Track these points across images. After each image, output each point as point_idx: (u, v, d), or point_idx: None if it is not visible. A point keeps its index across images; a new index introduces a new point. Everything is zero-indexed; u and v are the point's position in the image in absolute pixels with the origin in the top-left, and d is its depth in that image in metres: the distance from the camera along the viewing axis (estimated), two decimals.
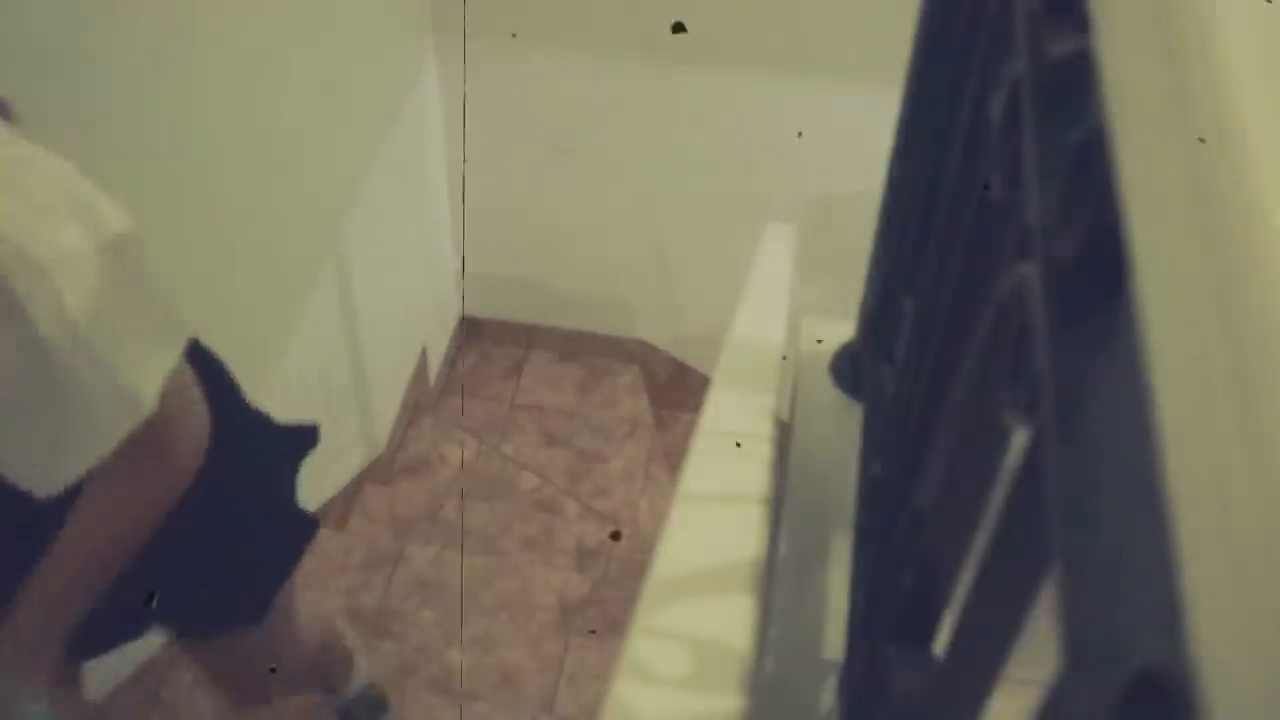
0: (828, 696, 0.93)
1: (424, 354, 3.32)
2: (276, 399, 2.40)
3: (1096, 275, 0.38)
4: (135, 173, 1.75)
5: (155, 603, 1.40)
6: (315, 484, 2.77)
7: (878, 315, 1.04)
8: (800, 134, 2.38)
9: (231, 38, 1.98)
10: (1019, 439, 0.51)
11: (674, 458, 3.25)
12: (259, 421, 1.57)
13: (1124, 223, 0.36)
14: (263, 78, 2.09)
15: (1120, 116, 0.37)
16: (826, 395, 1.14)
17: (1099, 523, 0.36)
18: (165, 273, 1.89)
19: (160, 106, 1.80)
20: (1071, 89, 0.44)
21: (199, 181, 1.94)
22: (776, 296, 1.47)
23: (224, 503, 1.33)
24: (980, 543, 0.61)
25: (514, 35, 2.81)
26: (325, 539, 2.80)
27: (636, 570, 2.89)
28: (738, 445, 0.85)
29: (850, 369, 1.13)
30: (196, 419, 1.13)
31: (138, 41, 1.70)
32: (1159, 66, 0.36)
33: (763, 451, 0.84)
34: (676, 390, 3.45)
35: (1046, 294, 0.41)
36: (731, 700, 0.58)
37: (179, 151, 1.87)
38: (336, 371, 2.69)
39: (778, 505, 0.97)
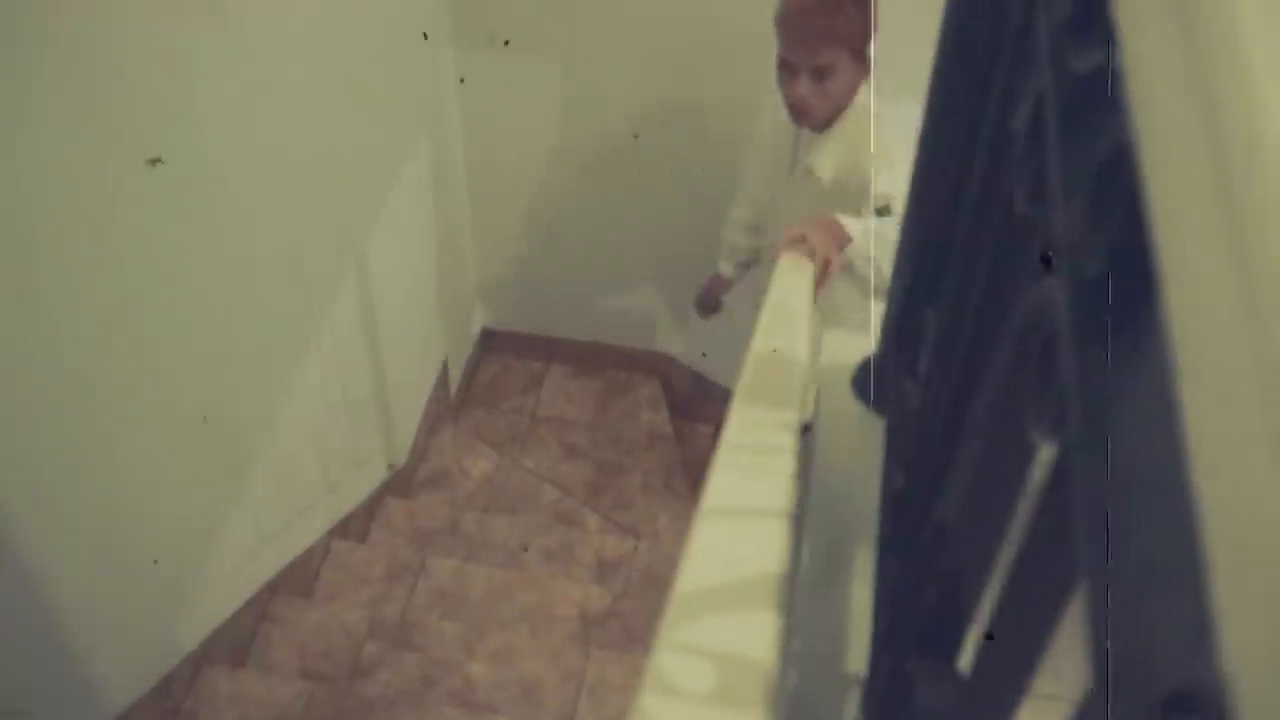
0: (851, 711, 0.93)
1: (445, 367, 3.33)
2: (299, 411, 2.42)
3: (1124, 290, 0.38)
4: (158, 184, 1.77)
5: None
6: (337, 496, 2.78)
7: (900, 328, 1.04)
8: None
9: (254, 50, 2.00)
10: (1045, 453, 0.51)
11: (694, 470, 3.25)
12: None
13: (1152, 237, 0.36)
14: (284, 91, 2.11)
15: (1147, 131, 0.37)
16: (849, 408, 1.14)
17: (1127, 538, 0.36)
18: (190, 283, 1.91)
19: (182, 117, 1.81)
20: (1096, 103, 0.44)
21: (221, 195, 1.96)
22: (798, 308, 1.46)
23: None
24: (1006, 556, 0.61)
25: (535, 48, 2.82)
26: (347, 551, 2.81)
27: (657, 582, 2.88)
28: (758, 456, 0.85)
29: (873, 382, 1.12)
30: None
31: (157, 50, 1.72)
32: (1186, 81, 0.36)
33: (785, 465, 0.84)
34: (696, 403, 3.45)
35: (1072, 309, 0.41)
36: (755, 715, 0.57)
37: (201, 164, 1.88)
38: (358, 384, 2.70)
39: (800, 518, 0.96)
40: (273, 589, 2.55)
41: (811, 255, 1.81)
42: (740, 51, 2.48)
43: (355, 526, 2.89)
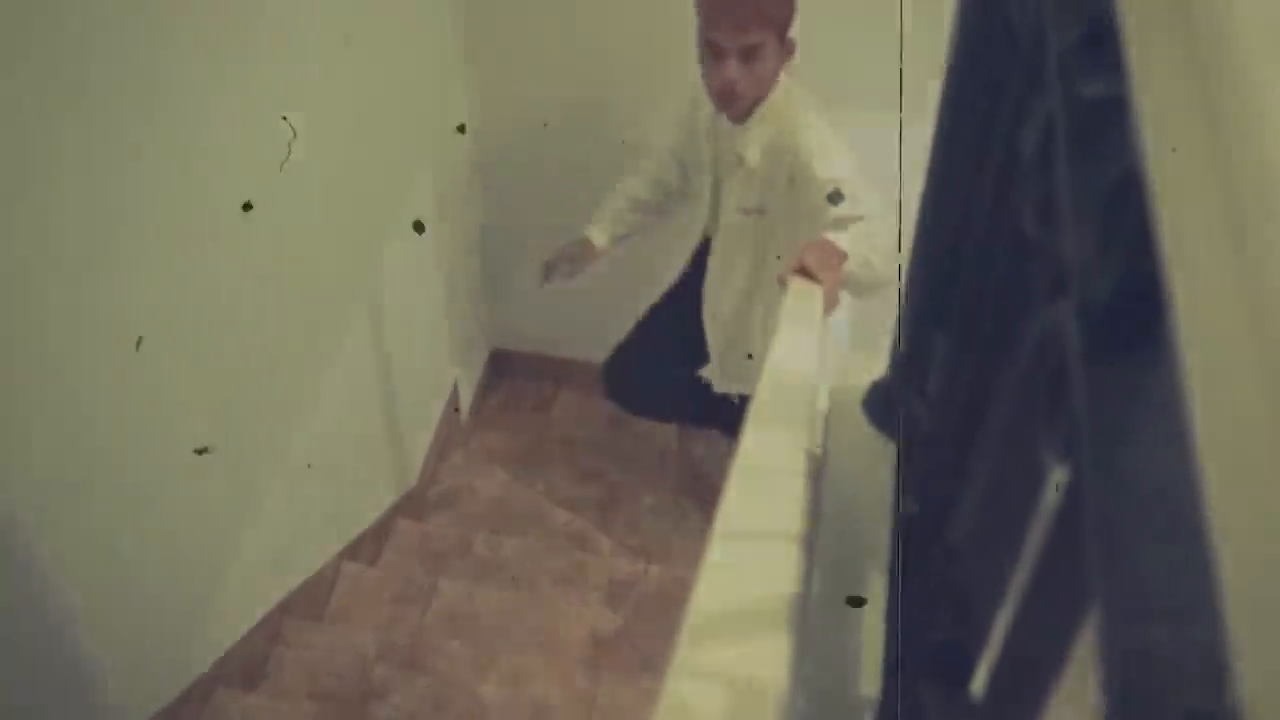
0: None
1: (455, 388, 3.34)
2: (310, 433, 2.42)
3: (1134, 314, 0.38)
4: (169, 208, 1.78)
5: None
6: (348, 518, 2.79)
7: (910, 351, 1.04)
8: None
9: (268, 74, 2.01)
10: (1057, 475, 0.51)
11: (704, 491, 3.24)
12: None
13: (1161, 261, 0.36)
14: (296, 115, 2.12)
15: (1156, 156, 0.37)
16: (860, 431, 1.14)
17: (1140, 562, 0.36)
18: (201, 306, 1.92)
19: (194, 141, 1.82)
20: (1105, 128, 0.44)
21: (233, 218, 1.97)
22: (809, 332, 1.47)
23: None
24: (1018, 580, 0.61)
25: (545, 67, 2.84)
26: (358, 573, 2.81)
27: (669, 605, 2.88)
28: (774, 478, 0.85)
29: (883, 405, 1.13)
30: None
31: (172, 72, 1.73)
32: (1195, 110, 0.36)
33: (798, 488, 0.84)
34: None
35: (1083, 332, 0.41)
36: None
37: (212, 187, 1.89)
38: (369, 405, 2.71)
39: (812, 541, 0.96)
40: (284, 611, 2.55)
41: (816, 279, 1.80)
42: None
43: (366, 548, 2.89)
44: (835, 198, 2.08)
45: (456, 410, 3.38)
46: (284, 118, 1.92)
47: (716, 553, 0.73)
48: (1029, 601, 0.56)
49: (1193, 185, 0.36)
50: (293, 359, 2.31)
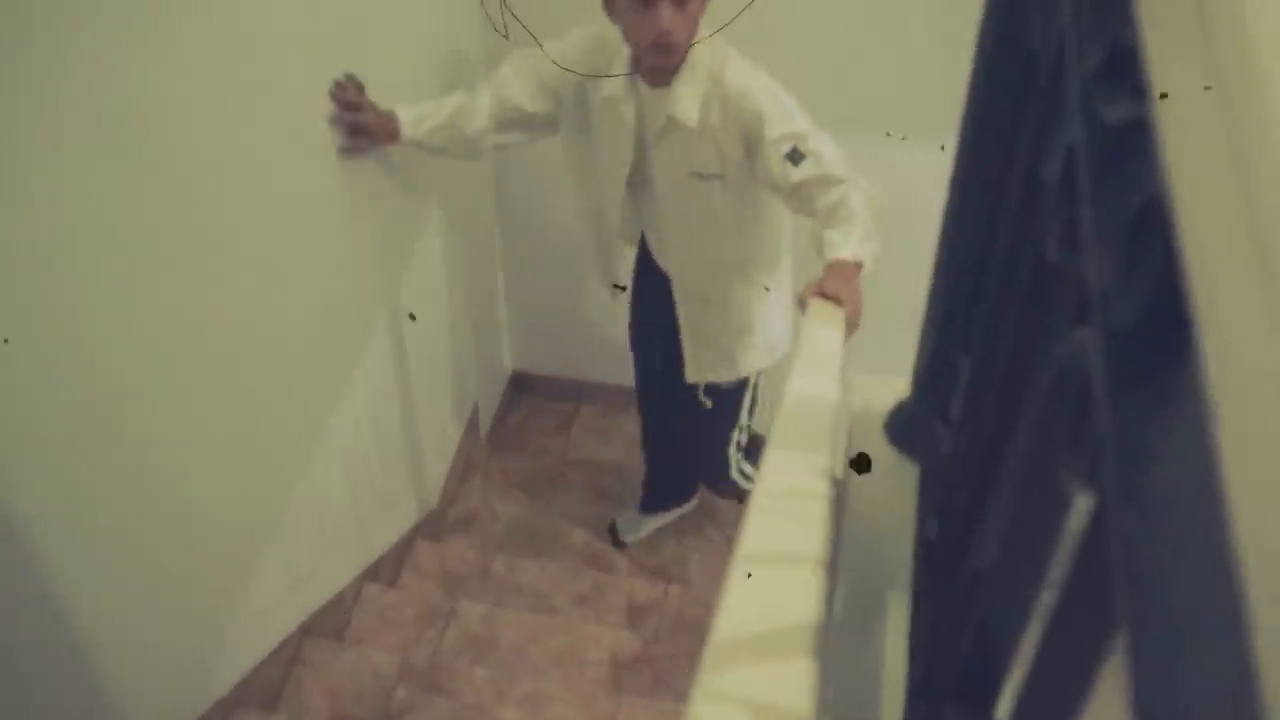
0: None
1: (475, 409, 3.34)
2: (331, 453, 2.43)
3: (1159, 341, 0.38)
4: (196, 232, 1.79)
5: None
6: (368, 539, 2.79)
7: (932, 374, 1.04)
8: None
9: (292, 103, 2.03)
10: (1082, 500, 0.51)
11: (724, 512, 3.24)
12: None
13: (1187, 289, 0.36)
14: (321, 143, 2.14)
15: (1180, 185, 0.37)
16: (881, 454, 1.13)
17: (1167, 590, 0.36)
18: (225, 331, 1.93)
19: (221, 168, 1.84)
20: (1129, 154, 0.44)
21: (257, 242, 1.98)
22: (830, 354, 1.46)
23: None
24: (1043, 604, 0.61)
25: None
26: (378, 595, 2.81)
27: (688, 627, 2.87)
28: (796, 501, 0.85)
29: (905, 428, 1.12)
30: None
31: (199, 103, 1.74)
32: (1219, 136, 0.36)
33: (819, 512, 0.84)
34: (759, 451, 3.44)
35: (1107, 359, 0.41)
36: None
37: (238, 211, 1.91)
38: (389, 427, 2.72)
39: (834, 565, 0.96)
40: (304, 632, 2.56)
41: (839, 302, 1.78)
42: None
43: (386, 570, 2.90)
44: (795, 156, 2.03)
45: (477, 432, 3.39)
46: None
47: (739, 576, 0.73)
48: (1054, 626, 0.56)
49: (1217, 211, 0.36)
50: (314, 382, 2.32)
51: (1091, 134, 0.49)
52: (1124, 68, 0.46)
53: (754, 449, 2.88)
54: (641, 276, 2.72)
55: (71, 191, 1.50)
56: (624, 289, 2.76)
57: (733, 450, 2.83)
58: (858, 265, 1.91)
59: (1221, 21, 0.40)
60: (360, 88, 2.15)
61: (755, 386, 2.68)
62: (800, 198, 2.07)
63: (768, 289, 2.44)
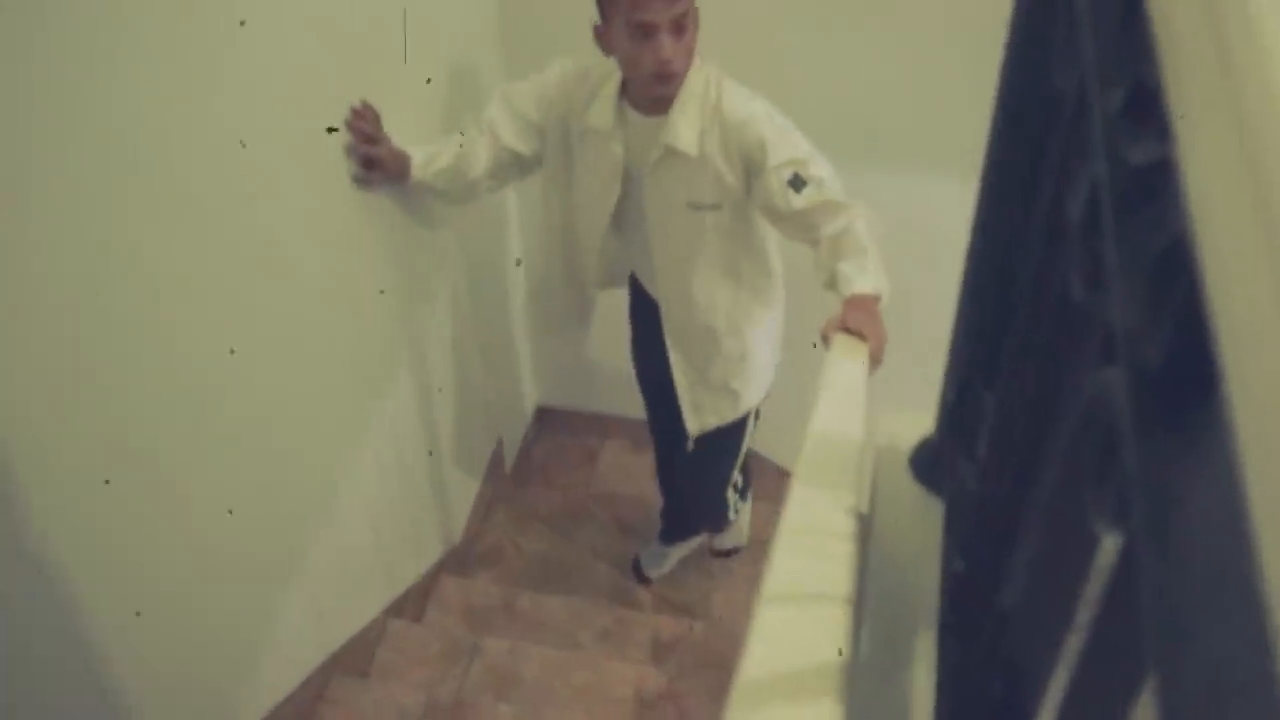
0: None
1: (500, 444, 3.35)
2: (356, 489, 2.44)
3: (1185, 382, 0.38)
4: (219, 269, 1.81)
5: None
6: (393, 575, 2.79)
7: (957, 410, 1.03)
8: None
9: (316, 145, 2.05)
10: (1109, 541, 0.50)
11: (748, 548, 3.23)
12: None
13: (1212, 331, 0.36)
14: (343, 182, 2.15)
15: (1205, 229, 0.37)
16: (906, 490, 1.13)
17: (1197, 633, 0.35)
18: (251, 366, 1.94)
19: (245, 207, 1.85)
20: (1153, 195, 0.44)
21: (282, 281, 1.99)
22: (853, 389, 1.46)
23: None
24: (1073, 644, 0.60)
25: None
26: (402, 630, 2.81)
27: (713, 663, 2.85)
28: (819, 538, 0.85)
29: (930, 464, 1.12)
30: None
31: (222, 140, 1.76)
32: (1242, 176, 0.36)
33: (845, 549, 0.84)
34: (750, 479, 3.43)
35: (1133, 400, 0.41)
36: None
37: (264, 251, 1.92)
38: (414, 462, 2.72)
39: (860, 603, 0.96)
40: (329, 669, 2.56)
41: (863, 338, 1.78)
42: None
43: (411, 605, 2.90)
44: (798, 183, 2.02)
45: (501, 467, 3.39)
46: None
47: (765, 615, 0.73)
48: (1083, 667, 0.55)
49: (1241, 253, 0.36)
50: (338, 418, 2.33)
51: (1115, 174, 0.49)
52: (1147, 108, 0.46)
53: (745, 482, 2.89)
54: (638, 315, 2.71)
55: (98, 230, 1.52)
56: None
57: (730, 492, 2.82)
58: (877, 297, 1.91)
59: (1244, 60, 0.40)
60: (377, 119, 2.16)
61: (751, 425, 2.66)
62: (802, 225, 2.06)
63: (759, 316, 2.43)
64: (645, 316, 2.60)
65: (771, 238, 2.34)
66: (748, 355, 2.45)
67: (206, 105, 1.68)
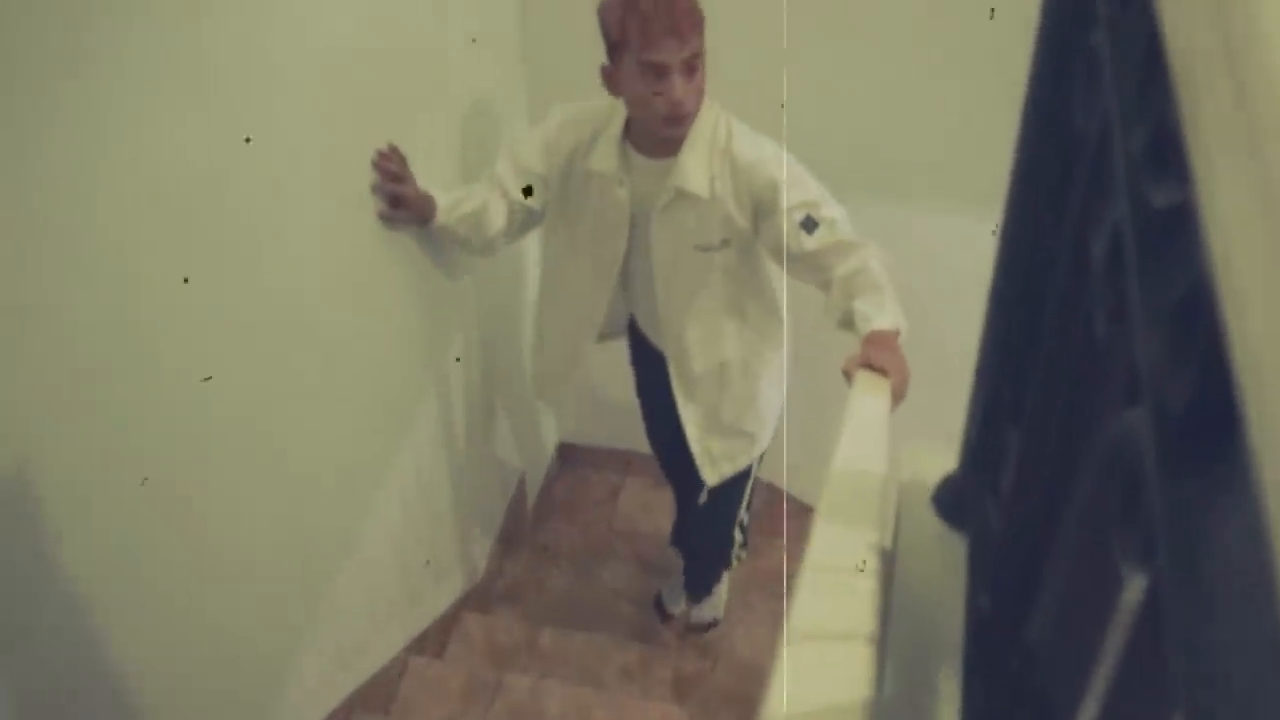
0: None
1: (522, 481, 3.35)
2: (380, 526, 2.44)
3: (1210, 424, 0.38)
4: (244, 307, 1.82)
5: None
6: (415, 611, 2.79)
7: (980, 446, 1.03)
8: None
9: (340, 185, 2.07)
10: (1136, 580, 0.50)
11: (770, 584, 3.22)
12: None
13: (1235, 374, 0.36)
14: (368, 221, 2.17)
15: (1225, 273, 0.38)
16: (930, 526, 1.13)
17: (1223, 674, 0.36)
18: (275, 404, 1.95)
19: (273, 246, 1.87)
20: (1176, 237, 0.44)
21: (308, 317, 2.01)
22: (876, 425, 1.46)
23: None
24: (1099, 683, 0.60)
25: None
26: (424, 667, 2.81)
27: (735, 700, 2.84)
28: (848, 578, 0.85)
29: (954, 501, 1.12)
30: None
31: (251, 182, 1.78)
32: (1262, 219, 0.37)
33: (869, 586, 0.84)
34: (772, 516, 3.42)
35: (1158, 442, 0.42)
36: None
37: (289, 289, 1.94)
38: (438, 497, 2.73)
39: (884, 640, 0.96)
40: (351, 705, 2.55)
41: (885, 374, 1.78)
42: (806, 161, 2.49)
43: (432, 642, 2.89)
44: (809, 224, 2.02)
45: (523, 503, 3.39)
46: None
47: (789, 653, 0.73)
48: (1110, 706, 0.55)
49: (1262, 296, 0.37)
50: (363, 455, 2.34)
51: (1137, 215, 0.49)
52: (1169, 151, 0.47)
53: (746, 528, 2.86)
54: (640, 363, 2.69)
55: (130, 267, 1.53)
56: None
57: (736, 531, 2.79)
58: (896, 333, 1.91)
59: (1264, 106, 0.40)
60: (403, 159, 2.18)
61: (756, 464, 2.64)
62: (814, 266, 2.06)
63: (768, 354, 2.41)
64: (648, 365, 2.58)
65: (777, 278, 2.34)
66: (758, 396, 2.44)
67: (236, 153, 1.70)
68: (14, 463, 1.40)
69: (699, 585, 3.12)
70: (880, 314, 1.93)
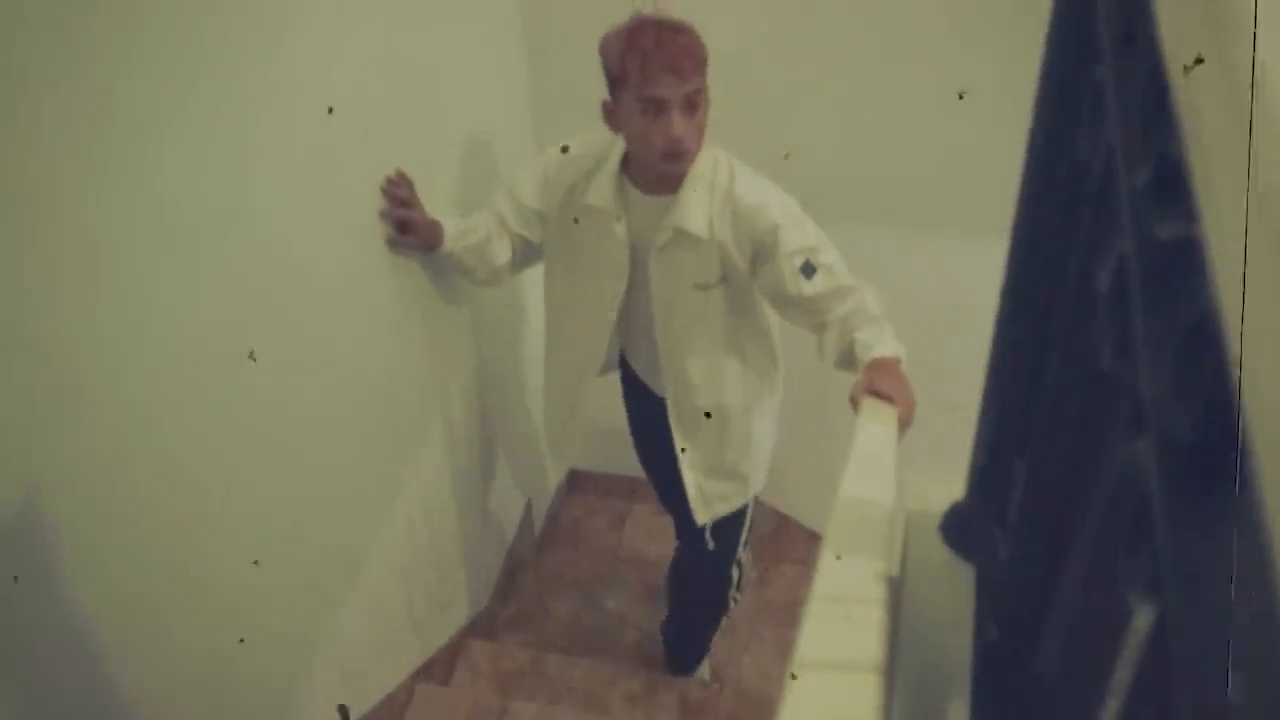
0: None
1: (529, 507, 3.35)
2: (386, 553, 2.44)
3: (1214, 458, 0.39)
4: (259, 334, 1.83)
5: None
6: (422, 638, 2.79)
7: (987, 476, 1.04)
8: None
9: (351, 209, 2.08)
10: (1142, 613, 0.51)
11: (777, 612, 3.21)
12: None
13: (1240, 407, 0.36)
14: (378, 246, 2.19)
15: (1228, 305, 0.38)
16: (938, 555, 1.13)
17: (1230, 705, 0.36)
18: (284, 430, 1.96)
19: (280, 271, 1.88)
20: (1181, 270, 0.45)
21: (316, 342, 2.02)
22: (883, 453, 1.46)
23: None
24: (1107, 712, 0.60)
25: None
26: (430, 694, 2.80)
27: None
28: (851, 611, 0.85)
29: (961, 530, 1.12)
30: None
31: (260, 207, 1.79)
32: (1266, 254, 0.37)
33: (876, 615, 0.84)
34: (779, 543, 3.42)
35: (1163, 474, 0.42)
36: None
37: (300, 314, 1.95)
38: (444, 524, 2.73)
39: (891, 670, 0.95)
40: None
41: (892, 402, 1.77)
42: (817, 192, 2.49)
43: (439, 669, 2.89)
44: (808, 270, 2.00)
45: (530, 529, 3.39)
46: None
47: (797, 683, 0.73)
48: None
49: (1266, 330, 0.37)
50: (370, 482, 2.34)
51: (1142, 248, 0.50)
52: (1173, 185, 0.47)
53: (741, 573, 2.83)
54: (632, 401, 2.66)
55: (142, 296, 1.54)
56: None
57: (734, 569, 2.76)
58: (898, 360, 1.90)
59: (1267, 143, 0.41)
60: (411, 185, 2.18)
61: (753, 505, 2.61)
62: (810, 310, 2.04)
63: (763, 394, 2.39)
64: (641, 403, 2.56)
65: (773, 321, 2.31)
66: (754, 438, 2.41)
67: (246, 188, 1.71)
68: (24, 489, 1.41)
69: (687, 654, 3.06)
70: (881, 342, 1.92)
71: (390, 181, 2.14)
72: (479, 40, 2.61)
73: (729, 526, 2.56)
